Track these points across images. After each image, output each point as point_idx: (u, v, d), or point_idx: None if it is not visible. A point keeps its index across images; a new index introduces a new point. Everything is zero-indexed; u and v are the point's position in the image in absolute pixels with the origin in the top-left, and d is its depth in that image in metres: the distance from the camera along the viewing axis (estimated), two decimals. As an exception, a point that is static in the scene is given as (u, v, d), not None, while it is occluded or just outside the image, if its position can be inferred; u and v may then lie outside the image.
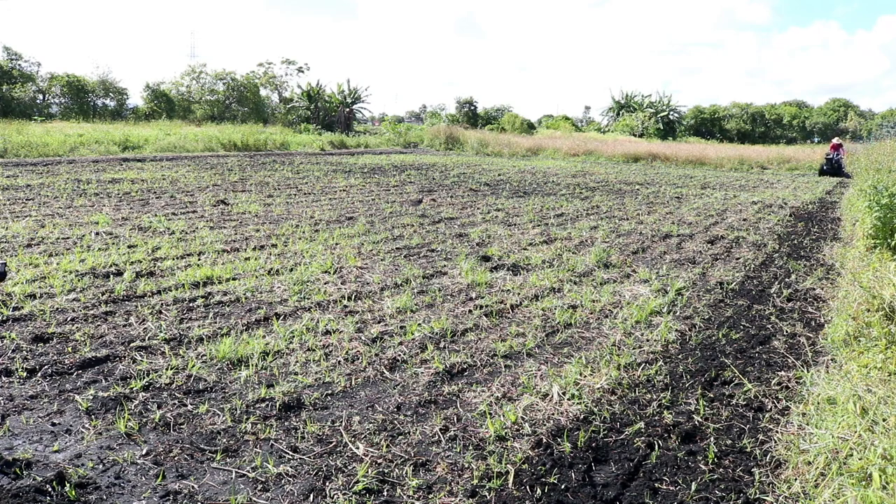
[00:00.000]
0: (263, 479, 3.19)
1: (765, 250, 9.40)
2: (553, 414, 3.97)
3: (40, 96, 40.06)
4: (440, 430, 3.73)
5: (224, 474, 3.24)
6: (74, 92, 40.39)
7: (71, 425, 3.64)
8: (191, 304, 5.78)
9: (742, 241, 10.12)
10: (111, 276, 6.58)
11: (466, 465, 3.36)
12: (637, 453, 3.52)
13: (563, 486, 3.18)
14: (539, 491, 3.11)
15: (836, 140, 27.05)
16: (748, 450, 3.61)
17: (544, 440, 3.63)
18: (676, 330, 5.63)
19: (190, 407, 3.90)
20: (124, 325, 5.22)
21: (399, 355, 4.81)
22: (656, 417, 3.91)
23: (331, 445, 3.53)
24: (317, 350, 4.85)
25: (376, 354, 4.82)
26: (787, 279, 7.60)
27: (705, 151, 31.94)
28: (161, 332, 5.07)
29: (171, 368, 4.42)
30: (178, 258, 7.46)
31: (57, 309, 5.50)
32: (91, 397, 3.95)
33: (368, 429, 3.72)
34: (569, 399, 4.14)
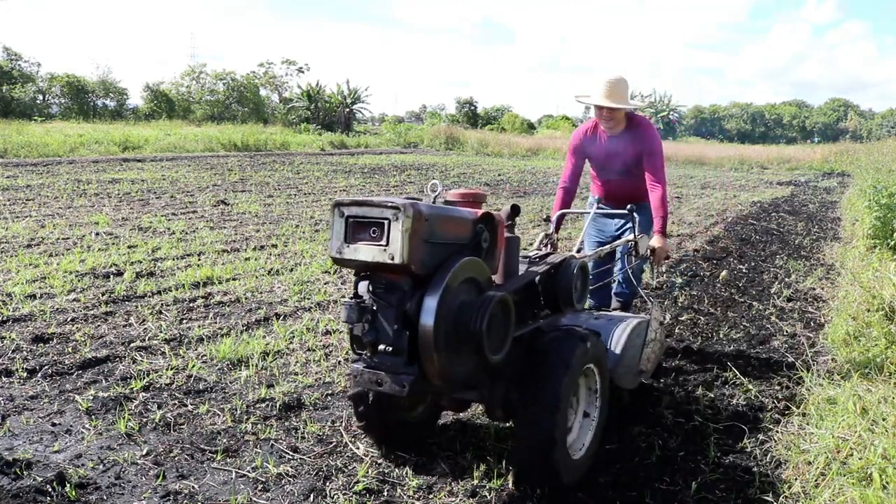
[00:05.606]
0: (264, 480, 3.19)
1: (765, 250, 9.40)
2: (553, 414, 3.96)
3: (40, 96, 40.06)
4: (440, 429, 3.73)
5: (224, 474, 3.24)
6: (74, 92, 40.36)
7: (71, 425, 3.64)
8: (191, 305, 5.78)
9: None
10: (111, 276, 6.58)
11: (467, 465, 3.36)
12: (637, 453, 3.52)
13: (563, 486, 3.18)
14: (539, 491, 3.11)
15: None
16: (748, 450, 3.61)
17: (544, 440, 3.62)
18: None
19: (190, 407, 3.90)
20: (124, 326, 5.22)
21: (399, 355, 4.80)
22: (657, 417, 3.91)
23: (331, 445, 3.53)
24: (317, 350, 4.85)
25: (376, 354, 4.81)
26: (787, 279, 7.61)
27: (705, 151, 31.97)
28: (161, 332, 5.07)
29: (172, 368, 4.42)
30: (178, 258, 7.46)
31: (57, 309, 5.50)
32: (91, 397, 3.95)
33: (368, 429, 3.72)
34: (569, 399, 4.13)
